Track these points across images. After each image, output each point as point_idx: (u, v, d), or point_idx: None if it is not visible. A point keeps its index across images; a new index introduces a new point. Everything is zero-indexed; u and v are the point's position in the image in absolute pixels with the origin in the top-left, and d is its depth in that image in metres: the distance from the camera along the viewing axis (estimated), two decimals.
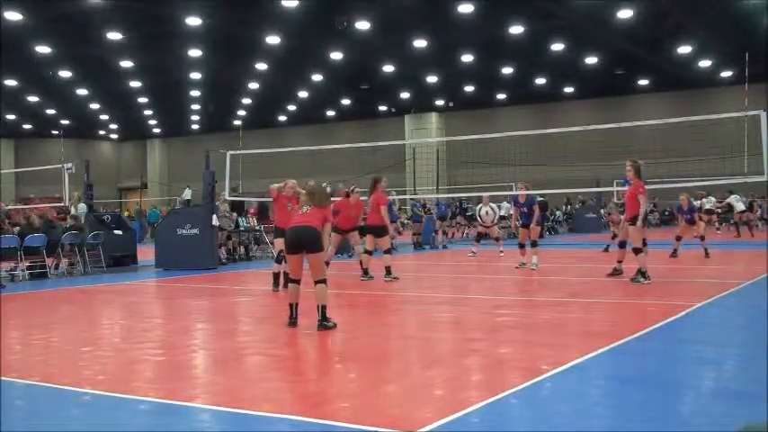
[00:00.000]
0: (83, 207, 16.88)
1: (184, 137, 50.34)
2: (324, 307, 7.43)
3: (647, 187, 11.68)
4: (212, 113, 42.21)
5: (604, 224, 29.58)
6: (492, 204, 19.03)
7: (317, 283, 7.49)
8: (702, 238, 16.05)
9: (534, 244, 13.86)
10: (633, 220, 10.95)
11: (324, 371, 5.76)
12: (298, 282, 7.67)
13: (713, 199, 24.10)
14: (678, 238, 16.04)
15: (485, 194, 19.44)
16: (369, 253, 12.60)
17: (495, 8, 22.85)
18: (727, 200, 25.72)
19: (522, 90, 36.28)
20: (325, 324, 7.36)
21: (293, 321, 7.63)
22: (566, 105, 38.34)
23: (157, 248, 16.23)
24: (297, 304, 7.68)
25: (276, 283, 10.97)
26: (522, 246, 14.16)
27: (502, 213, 25.69)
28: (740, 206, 25.99)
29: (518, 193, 14.57)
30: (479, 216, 19.05)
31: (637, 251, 10.96)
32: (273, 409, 4.52)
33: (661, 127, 24.64)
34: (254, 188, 27.07)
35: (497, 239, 18.85)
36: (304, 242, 7.47)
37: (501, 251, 17.93)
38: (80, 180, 18.45)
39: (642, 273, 10.85)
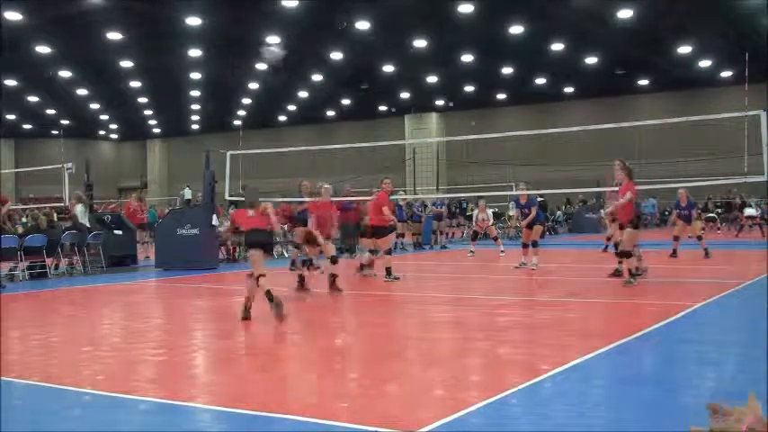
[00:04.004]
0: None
1: (184, 137, 50.34)
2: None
3: (644, 187, 11.76)
4: (212, 113, 42.23)
5: (603, 225, 29.59)
6: (488, 211, 19.14)
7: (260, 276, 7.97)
8: (700, 237, 15.99)
9: (535, 244, 13.87)
10: (630, 223, 10.75)
11: (324, 371, 5.76)
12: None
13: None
14: (676, 238, 16.01)
15: (481, 201, 19.55)
16: (372, 252, 12.63)
17: (495, 8, 22.85)
18: (745, 210, 25.91)
19: (522, 90, 36.29)
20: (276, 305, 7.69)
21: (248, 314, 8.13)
22: (566, 105, 38.35)
23: (157, 248, 16.24)
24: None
25: (333, 284, 10.65)
26: (525, 245, 14.17)
27: (510, 213, 25.77)
28: (751, 211, 26.03)
29: (519, 193, 14.60)
30: (475, 219, 19.17)
31: (626, 255, 10.72)
32: (273, 409, 4.52)
33: (661, 127, 24.67)
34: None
35: (496, 239, 18.90)
36: (264, 242, 8.31)
37: (501, 251, 17.98)
38: (80, 180, 18.44)
39: (632, 273, 10.67)
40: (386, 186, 12.57)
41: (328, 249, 10.84)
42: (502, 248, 18.15)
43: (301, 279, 10.81)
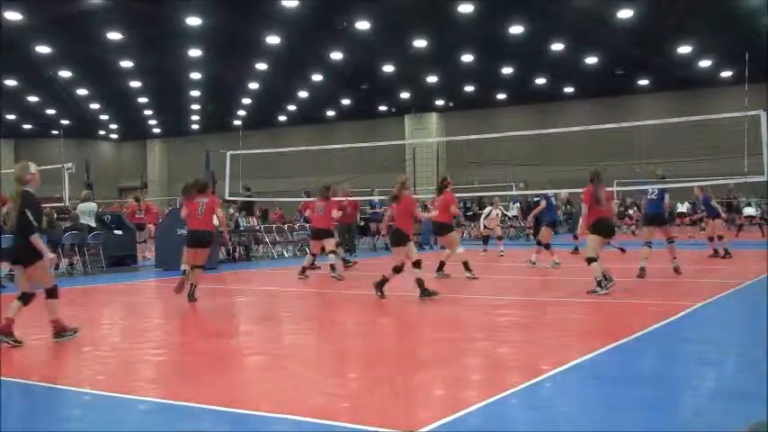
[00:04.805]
0: (90, 206, 16.65)
1: (184, 137, 50.32)
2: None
3: (644, 187, 11.81)
4: (212, 113, 42.21)
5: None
6: (501, 207, 19.18)
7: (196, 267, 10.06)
8: (712, 239, 15.75)
9: (539, 243, 13.97)
10: (591, 227, 10.10)
11: (324, 371, 5.76)
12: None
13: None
14: (720, 238, 15.50)
15: (495, 199, 19.56)
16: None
17: (495, 8, 22.85)
18: (744, 209, 25.78)
19: (522, 90, 36.27)
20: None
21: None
22: (566, 105, 38.33)
23: (157, 248, 16.23)
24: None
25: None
26: (547, 246, 14.15)
27: (513, 213, 25.77)
28: (750, 210, 25.91)
29: (519, 193, 14.69)
30: (485, 219, 19.07)
31: (589, 261, 9.95)
32: (273, 409, 4.52)
33: (661, 127, 24.64)
34: (254, 188, 27.08)
35: (500, 238, 18.95)
36: (203, 241, 10.06)
37: (501, 251, 18.01)
38: (80, 180, 18.42)
39: (599, 282, 9.82)
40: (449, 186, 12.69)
41: (413, 252, 10.10)
42: (502, 249, 18.20)
43: (383, 282, 10.06)
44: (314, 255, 13.53)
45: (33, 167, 6.99)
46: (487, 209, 19.63)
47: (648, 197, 12.67)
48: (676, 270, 12.09)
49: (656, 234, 12.48)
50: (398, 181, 10.10)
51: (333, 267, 12.92)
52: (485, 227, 19.11)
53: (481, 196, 25.66)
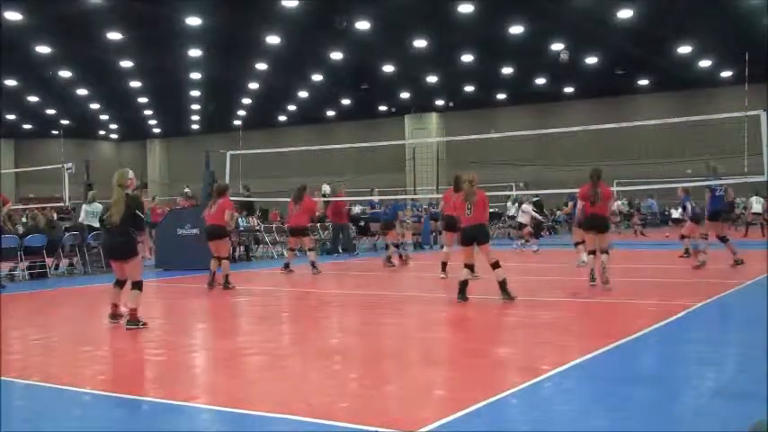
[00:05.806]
0: (95, 207, 16.55)
1: (184, 137, 50.35)
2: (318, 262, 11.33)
3: (644, 187, 11.88)
4: (212, 113, 42.23)
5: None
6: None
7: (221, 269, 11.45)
8: (684, 237, 15.59)
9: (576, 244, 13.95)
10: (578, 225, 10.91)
11: (323, 371, 5.76)
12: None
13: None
14: (686, 237, 15.38)
15: (525, 196, 19.65)
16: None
17: (495, 8, 22.86)
18: (753, 205, 25.51)
19: (522, 90, 36.29)
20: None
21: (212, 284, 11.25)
22: (566, 105, 38.36)
23: (157, 248, 16.22)
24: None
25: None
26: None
27: (512, 213, 25.73)
28: (758, 207, 25.70)
29: (520, 193, 14.71)
30: (525, 212, 18.99)
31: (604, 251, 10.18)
32: (273, 409, 4.52)
33: (661, 127, 24.67)
34: (254, 187, 27.08)
35: (531, 235, 19.07)
36: (213, 234, 11.64)
37: (528, 247, 18.33)
38: (80, 180, 18.42)
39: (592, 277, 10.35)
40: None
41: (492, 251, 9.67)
42: (516, 246, 18.41)
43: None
44: (292, 249, 14.62)
45: (131, 173, 8.02)
46: (525, 205, 19.57)
47: (716, 194, 12.90)
48: (737, 262, 12.78)
49: (717, 230, 12.97)
50: (466, 180, 9.77)
51: (313, 264, 13.79)
52: (521, 225, 19.04)
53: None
